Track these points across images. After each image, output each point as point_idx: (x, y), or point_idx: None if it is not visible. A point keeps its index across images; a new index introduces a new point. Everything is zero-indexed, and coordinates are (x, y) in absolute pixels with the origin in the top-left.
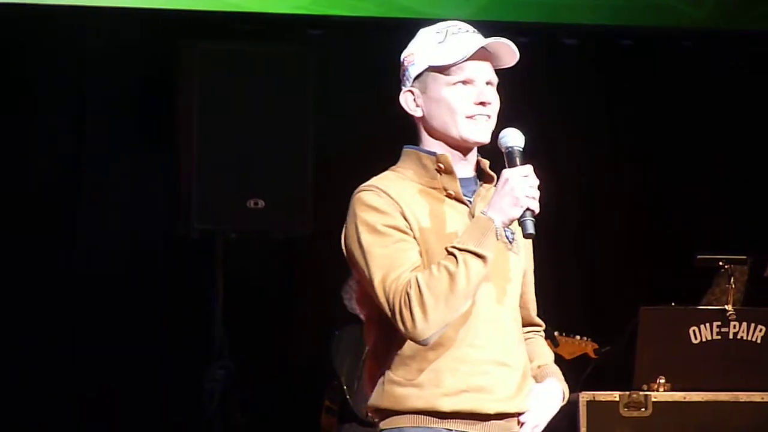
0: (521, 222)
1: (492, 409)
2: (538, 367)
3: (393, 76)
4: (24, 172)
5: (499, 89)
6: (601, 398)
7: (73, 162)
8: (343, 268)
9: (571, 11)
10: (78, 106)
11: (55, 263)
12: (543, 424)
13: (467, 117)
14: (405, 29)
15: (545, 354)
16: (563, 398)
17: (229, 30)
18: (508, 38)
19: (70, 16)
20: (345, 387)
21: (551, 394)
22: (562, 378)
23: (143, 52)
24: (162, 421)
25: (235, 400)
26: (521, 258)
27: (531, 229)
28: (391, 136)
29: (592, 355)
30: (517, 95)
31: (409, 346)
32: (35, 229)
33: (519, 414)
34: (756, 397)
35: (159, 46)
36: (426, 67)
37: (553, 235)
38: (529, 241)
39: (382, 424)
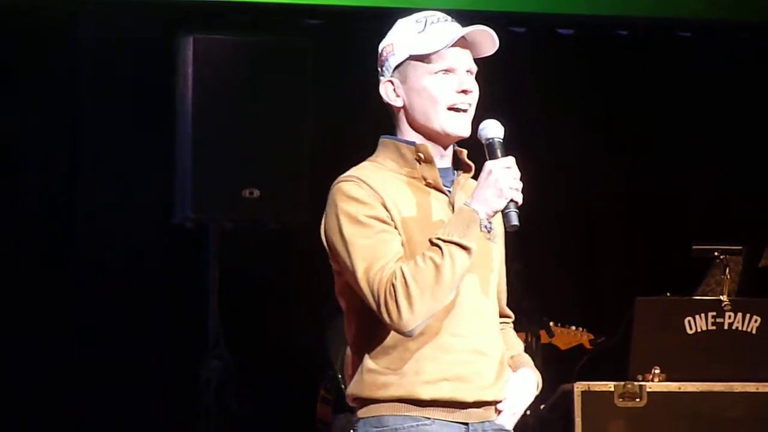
0: (505, 213)
1: (471, 398)
2: (511, 357)
3: None
4: (18, 163)
5: (478, 78)
6: (596, 388)
7: (68, 152)
8: None
9: (568, 1)
10: (73, 96)
11: (49, 254)
12: (520, 412)
13: (449, 107)
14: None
15: (516, 344)
16: (537, 387)
17: (225, 20)
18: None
19: (66, 5)
20: (340, 377)
21: (526, 383)
22: (535, 368)
23: (140, 41)
24: (158, 412)
25: (230, 391)
26: (498, 247)
27: (515, 221)
28: (388, 126)
29: (588, 346)
30: (514, 85)
31: (390, 336)
32: (29, 219)
33: (497, 402)
34: (751, 387)
35: (156, 35)
36: (407, 56)
37: (548, 226)
38: (502, 232)
39: (361, 412)
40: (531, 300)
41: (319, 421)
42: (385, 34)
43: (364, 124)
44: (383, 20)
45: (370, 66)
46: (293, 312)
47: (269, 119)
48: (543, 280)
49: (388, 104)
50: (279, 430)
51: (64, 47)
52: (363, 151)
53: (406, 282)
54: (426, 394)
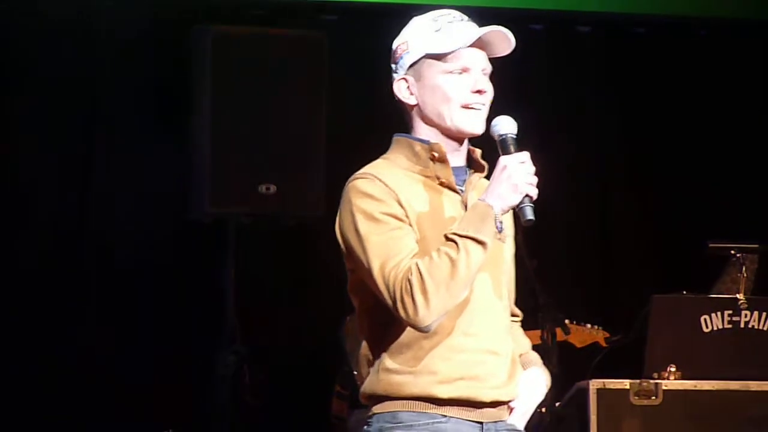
0: (520, 208)
1: (487, 397)
2: (520, 356)
3: None
4: (35, 156)
5: (492, 78)
6: (612, 386)
7: (85, 147)
8: None
9: None
10: (90, 91)
11: (66, 248)
12: (530, 412)
13: (462, 106)
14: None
15: (524, 343)
16: (546, 386)
17: (242, 15)
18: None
19: (82, 1)
20: (355, 372)
21: (536, 382)
22: (543, 366)
23: (157, 36)
24: (174, 406)
25: (246, 386)
26: (509, 247)
27: (530, 215)
28: (402, 123)
29: (603, 344)
30: (531, 82)
31: (404, 334)
32: (45, 214)
33: (510, 401)
34: (766, 386)
35: (173, 30)
36: (422, 54)
37: (564, 224)
38: (512, 230)
39: (375, 408)
40: (547, 297)
41: (335, 417)
42: (401, 29)
43: (380, 119)
44: (399, 16)
45: (386, 61)
46: (309, 307)
47: (286, 114)
48: (559, 278)
49: (401, 102)
50: (294, 425)
51: (82, 41)
52: (379, 146)
53: (421, 277)
54: (443, 393)
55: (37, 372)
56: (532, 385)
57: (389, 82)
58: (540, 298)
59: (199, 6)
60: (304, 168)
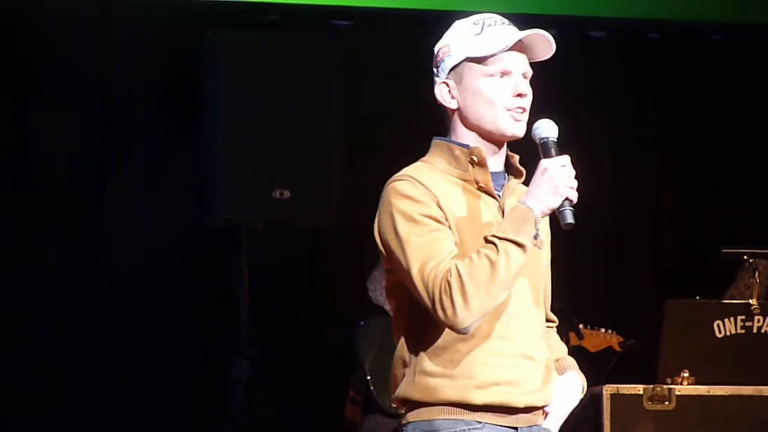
0: (560, 212)
1: (521, 402)
2: (556, 360)
3: (418, 67)
4: (50, 160)
5: (531, 82)
6: (625, 391)
7: (100, 151)
8: (368, 258)
9: (600, 4)
10: (105, 95)
11: (80, 253)
12: (565, 416)
13: (506, 109)
14: (432, 21)
15: (561, 348)
16: (582, 390)
17: (256, 20)
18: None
19: (97, 5)
20: (369, 378)
21: (572, 386)
22: (579, 371)
23: (170, 41)
24: (187, 410)
25: (260, 390)
26: (545, 253)
27: (570, 218)
28: (416, 126)
29: (617, 348)
30: (543, 87)
31: (441, 338)
32: (61, 218)
33: (544, 406)
34: None
35: (186, 35)
36: (463, 58)
37: (579, 229)
38: (548, 237)
39: (410, 416)
40: (561, 302)
41: (348, 422)
42: (412, 36)
43: (394, 124)
44: (411, 22)
45: (398, 67)
46: (323, 312)
47: (299, 120)
48: (573, 283)
49: (442, 105)
50: (307, 430)
51: (96, 47)
52: (392, 151)
53: (461, 278)
54: (478, 398)
55: (50, 372)
56: (567, 389)
57: (431, 85)
58: (554, 303)
59: (213, 12)
60: (318, 173)
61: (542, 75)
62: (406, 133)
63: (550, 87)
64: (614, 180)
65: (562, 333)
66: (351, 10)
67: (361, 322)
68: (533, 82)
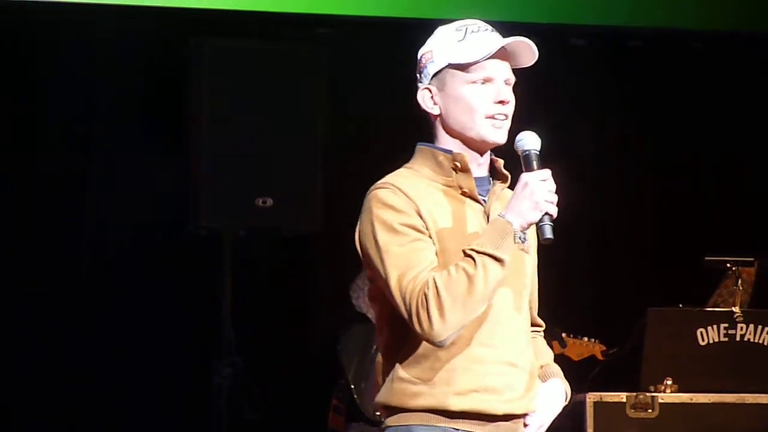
0: (540, 226)
1: (500, 410)
2: (541, 367)
3: (402, 74)
4: (32, 169)
5: (514, 89)
6: (608, 399)
7: (82, 159)
8: (351, 266)
9: (581, 12)
10: (87, 103)
11: (62, 260)
12: (547, 424)
13: (487, 116)
14: (414, 29)
15: (547, 353)
16: (566, 398)
17: (239, 28)
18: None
19: (80, 13)
20: (352, 386)
21: (555, 394)
22: (564, 378)
23: (153, 49)
24: (170, 418)
25: (242, 398)
26: (532, 258)
27: (549, 234)
28: (400, 134)
29: (600, 357)
30: (525, 95)
31: (422, 345)
32: (43, 226)
33: (525, 415)
34: (763, 399)
35: (169, 43)
36: (446, 64)
37: (561, 236)
38: (535, 241)
39: (389, 421)
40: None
41: (331, 430)
42: (396, 43)
43: (378, 131)
44: (395, 30)
45: (382, 74)
46: (306, 320)
47: (282, 127)
48: (555, 291)
49: (424, 111)
50: None
51: (80, 55)
52: (376, 158)
53: (438, 292)
54: (456, 405)
55: (31, 383)
56: (550, 397)
57: (413, 91)
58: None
59: (196, 19)
60: (301, 181)
61: (525, 82)
62: (390, 140)
63: (532, 95)
64: (597, 187)
65: (546, 341)
66: (334, 18)
67: (345, 330)
68: (516, 89)
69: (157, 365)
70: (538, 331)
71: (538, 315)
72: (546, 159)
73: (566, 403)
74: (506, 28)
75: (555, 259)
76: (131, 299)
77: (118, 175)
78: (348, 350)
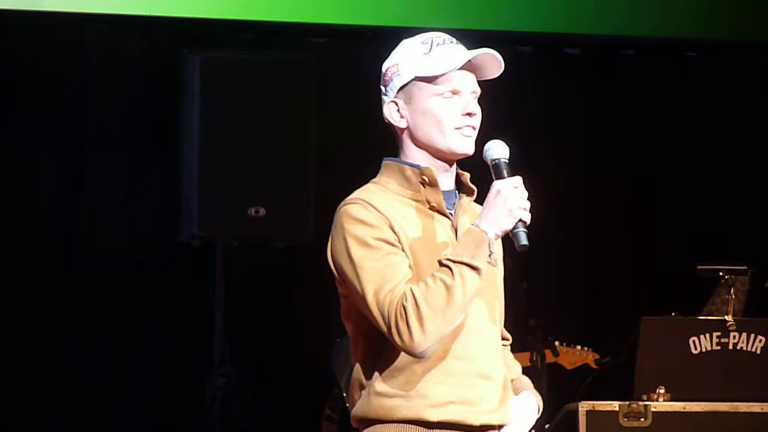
0: (514, 233)
1: (478, 421)
2: (512, 380)
3: None
4: (24, 178)
5: (480, 101)
6: (601, 408)
7: (74, 169)
8: None
9: (574, 21)
10: (79, 113)
11: (55, 271)
12: None
13: (455, 128)
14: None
15: (515, 367)
16: (538, 411)
17: (230, 38)
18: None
19: (72, 23)
20: (345, 395)
21: (528, 407)
22: (535, 390)
23: (145, 59)
24: (164, 428)
25: (236, 408)
26: (500, 270)
27: (524, 240)
28: (392, 145)
29: (593, 365)
30: (519, 104)
31: (398, 359)
32: (35, 237)
33: (500, 426)
34: (755, 407)
35: (161, 53)
36: (413, 77)
37: (553, 246)
38: (501, 255)
39: (367, 431)
40: (536, 319)
41: None
42: (388, 53)
43: (369, 142)
44: (388, 39)
45: (374, 84)
46: (299, 330)
47: (275, 138)
48: (548, 300)
49: (391, 125)
50: None
51: (72, 65)
52: (369, 169)
53: (417, 303)
54: (433, 416)
55: (23, 392)
56: (523, 410)
57: (379, 104)
58: (530, 320)
59: (188, 30)
60: (293, 191)
61: (517, 91)
62: (382, 151)
63: (526, 103)
64: (591, 196)
65: (538, 350)
66: (326, 28)
67: (337, 339)
68: (503, 100)
69: (150, 375)
70: (506, 345)
71: (505, 327)
72: (540, 168)
73: (539, 415)
74: (500, 38)
75: (548, 268)
76: (124, 309)
77: (111, 185)
78: (340, 359)
